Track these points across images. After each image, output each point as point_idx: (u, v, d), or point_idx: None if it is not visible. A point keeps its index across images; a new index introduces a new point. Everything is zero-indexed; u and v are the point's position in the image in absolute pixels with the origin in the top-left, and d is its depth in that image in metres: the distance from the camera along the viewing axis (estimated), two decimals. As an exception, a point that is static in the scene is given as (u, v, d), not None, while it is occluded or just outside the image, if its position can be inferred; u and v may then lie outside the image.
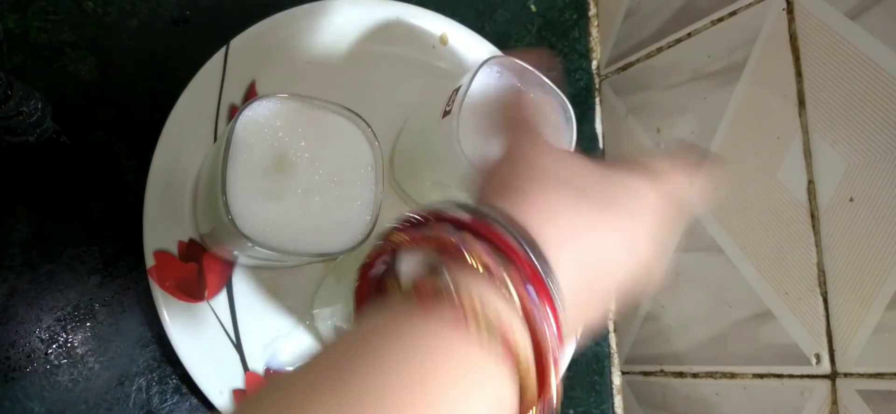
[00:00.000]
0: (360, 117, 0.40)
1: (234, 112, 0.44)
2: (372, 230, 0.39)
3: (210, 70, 0.45)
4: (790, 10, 0.45)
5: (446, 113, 0.40)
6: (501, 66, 0.43)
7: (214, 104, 0.45)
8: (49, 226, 0.42)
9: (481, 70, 0.41)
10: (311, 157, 0.38)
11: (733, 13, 0.50)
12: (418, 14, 0.51)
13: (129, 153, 0.44)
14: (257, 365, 0.43)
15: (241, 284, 0.44)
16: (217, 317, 0.43)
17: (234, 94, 0.45)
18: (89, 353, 0.42)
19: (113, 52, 0.45)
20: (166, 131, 0.43)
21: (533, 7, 0.60)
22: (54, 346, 0.41)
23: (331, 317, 0.42)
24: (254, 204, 0.36)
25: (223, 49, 0.45)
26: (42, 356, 0.41)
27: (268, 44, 0.46)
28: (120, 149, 0.44)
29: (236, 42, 0.45)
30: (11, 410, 0.40)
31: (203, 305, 0.42)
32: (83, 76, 0.44)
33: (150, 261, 0.41)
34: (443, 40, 0.52)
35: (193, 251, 0.43)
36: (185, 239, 0.43)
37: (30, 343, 0.41)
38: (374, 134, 0.40)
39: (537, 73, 0.43)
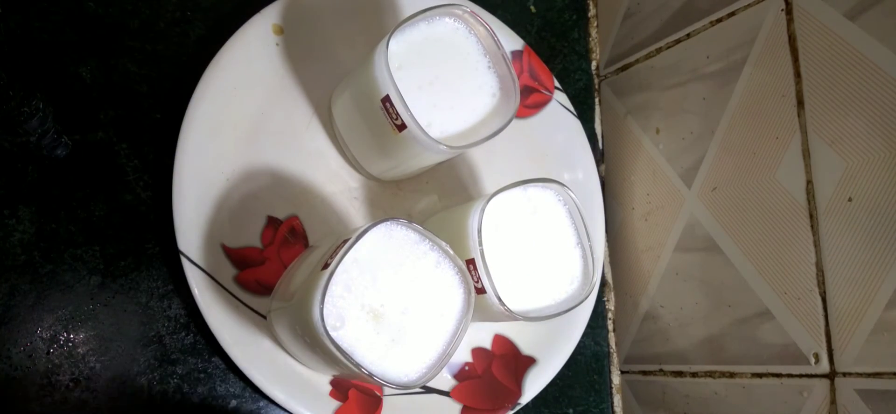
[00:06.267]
0: (457, 259, 0.40)
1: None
2: (443, 362, 0.39)
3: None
4: (789, 10, 0.45)
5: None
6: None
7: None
8: (50, 226, 0.42)
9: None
10: (404, 303, 0.38)
11: (732, 14, 0.50)
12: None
13: (131, 154, 0.44)
14: None
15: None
16: None
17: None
18: (90, 352, 0.42)
19: (114, 52, 0.45)
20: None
21: (532, 8, 0.60)
22: (55, 346, 0.41)
23: None
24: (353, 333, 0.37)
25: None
26: (43, 356, 0.41)
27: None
28: (121, 149, 0.44)
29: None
30: (12, 410, 0.40)
31: None
32: (84, 76, 0.44)
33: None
34: (443, 41, 0.52)
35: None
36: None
37: (31, 343, 0.41)
38: (469, 277, 0.40)
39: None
